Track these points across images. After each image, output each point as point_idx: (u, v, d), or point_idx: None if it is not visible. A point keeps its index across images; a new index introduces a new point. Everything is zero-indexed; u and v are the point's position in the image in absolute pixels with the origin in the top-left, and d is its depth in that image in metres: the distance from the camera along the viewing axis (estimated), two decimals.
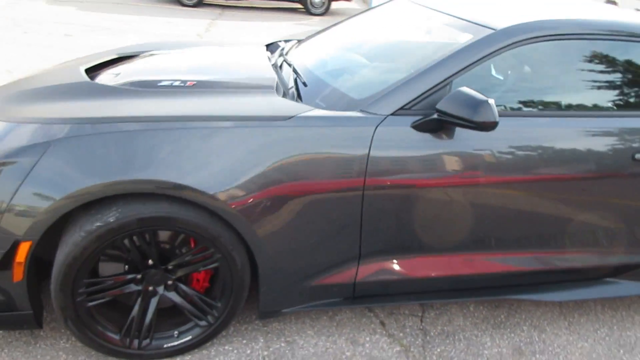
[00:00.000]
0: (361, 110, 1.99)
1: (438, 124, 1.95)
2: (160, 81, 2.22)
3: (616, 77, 2.25)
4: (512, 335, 2.36)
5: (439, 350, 2.23)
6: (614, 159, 2.12)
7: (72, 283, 1.82)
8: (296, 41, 3.08)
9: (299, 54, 2.70)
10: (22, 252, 1.80)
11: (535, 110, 2.14)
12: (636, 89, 2.26)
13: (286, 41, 3.15)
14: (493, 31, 2.08)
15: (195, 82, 2.22)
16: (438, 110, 1.91)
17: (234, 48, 2.97)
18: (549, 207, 2.14)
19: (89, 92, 2.14)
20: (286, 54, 2.72)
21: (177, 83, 2.21)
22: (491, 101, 1.81)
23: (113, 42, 6.56)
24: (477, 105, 1.81)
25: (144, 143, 1.80)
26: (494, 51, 2.04)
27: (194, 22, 9.13)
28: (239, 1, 11.36)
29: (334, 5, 11.97)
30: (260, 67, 2.53)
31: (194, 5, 10.98)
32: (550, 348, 2.30)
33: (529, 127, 2.05)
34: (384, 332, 2.30)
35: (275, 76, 2.35)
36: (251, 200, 1.85)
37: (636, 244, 2.32)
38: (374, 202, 1.96)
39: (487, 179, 2.02)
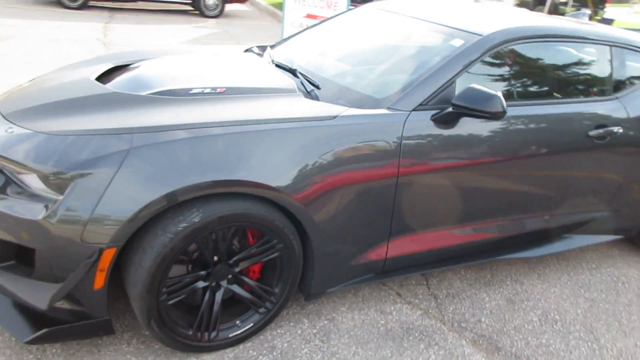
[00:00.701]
0: (388, 108, 2.29)
1: (453, 116, 2.32)
2: (190, 89, 2.32)
3: (572, 70, 2.81)
4: (501, 289, 2.82)
5: (451, 309, 2.62)
6: (574, 136, 2.66)
7: (158, 284, 1.91)
8: (269, 47, 3.28)
9: (294, 58, 2.91)
10: (106, 259, 1.85)
11: (518, 100, 2.61)
12: (588, 79, 2.84)
13: (260, 47, 3.33)
14: (481, 37, 2.50)
15: (224, 89, 2.36)
16: (454, 105, 2.28)
17: (228, 53, 3.11)
18: (529, 179, 2.63)
19: (124, 103, 2.18)
20: (280, 58, 2.92)
21: (207, 90, 2.33)
22: (500, 94, 2.22)
23: (5, 49, 6.12)
24: (489, 98, 2.20)
25: (214, 147, 1.94)
26: (484, 53, 2.46)
27: (87, 25, 8.69)
28: (125, 3, 10.94)
29: (227, 7, 11.99)
30: (269, 71, 2.71)
31: (78, 8, 10.37)
32: (532, 296, 2.80)
33: (517, 114, 2.50)
34: (403, 301, 2.63)
35: (291, 80, 2.55)
36: (309, 191, 2.07)
37: (586, 205, 2.90)
38: (405, 185, 2.28)
39: (489, 159, 2.45)
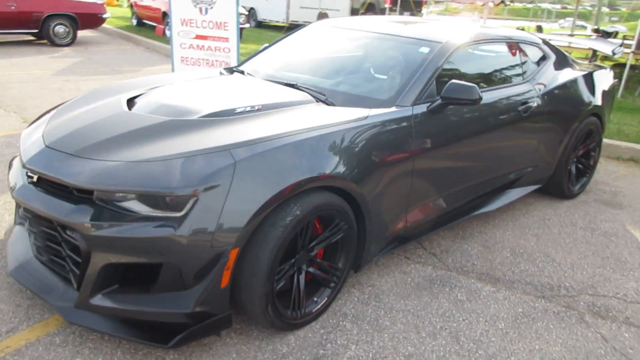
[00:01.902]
0: (397, 106, 2.87)
1: (443, 106, 2.97)
2: (234, 109, 2.64)
3: (502, 62, 3.66)
4: (475, 240, 3.56)
5: (450, 260, 3.28)
6: (513, 112, 3.49)
7: (273, 272, 2.25)
8: (241, 67, 3.64)
9: (280, 74, 3.34)
10: (232, 259, 2.16)
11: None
12: (511, 68, 3.70)
13: (227, 69, 3.67)
14: (441, 44, 3.20)
15: (260, 106, 2.73)
16: (442, 97, 2.93)
17: (224, 77, 3.40)
18: (491, 147, 3.39)
19: (185, 128, 2.44)
20: (267, 75, 3.33)
21: (248, 109, 2.68)
22: (475, 85, 2.92)
23: None
24: (469, 89, 2.88)
25: (296, 151, 2.34)
26: (448, 56, 3.16)
27: None
28: None
29: (79, 33, 11.55)
30: (275, 87, 3.10)
31: None
32: (499, 240, 3.58)
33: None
34: (413, 262, 3.22)
35: (303, 92, 2.98)
36: (362, 177, 2.56)
37: (520, 164, 3.78)
38: (417, 163, 2.87)
39: (466, 134, 3.15)
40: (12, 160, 2.82)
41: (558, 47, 4.35)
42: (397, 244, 3.01)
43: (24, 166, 2.44)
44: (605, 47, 4.96)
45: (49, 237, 2.40)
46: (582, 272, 3.24)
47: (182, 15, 7.46)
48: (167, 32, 13.37)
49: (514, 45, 3.81)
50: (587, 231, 3.83)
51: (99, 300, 2.21)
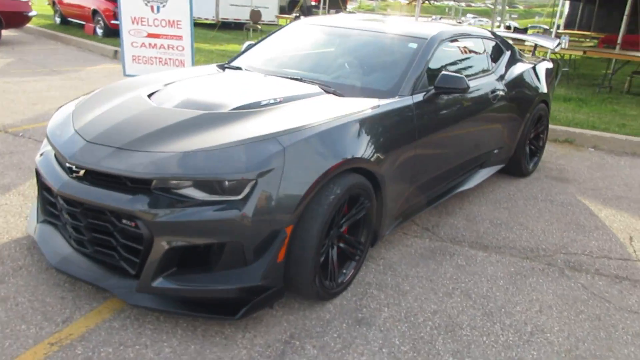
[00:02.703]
0: (399, 95, 3.20)
1: (436, 95, 3.34)
2: (260, 102, 2.86)
3: (474, 55, 4.09)
4: (457, 215, 3.99)
5: (442, 232, 3.67)
6: (486, 99, 3.94)
7: (321, 246, 2.51)
8: (237, 63, 3.84)
9: (280, 70, 3.58)
10: (288, 235, 2.39)
11: None
12: (482, 60, 4.15)
13: (227, 66, 3.86)
14: (427, 39, 3.57)
15: (282, 98, 2.96)
16: (435, 87, 3.30)
17: (232, 73, 3.58)
18: (472, 130, 3.82)
19: (220, 120, 2.64)
20: (269, 71, 3.56)
21: (271, 101, 2.91)
22: (463, 76, 3.31)
23: None
24: (459, 80, 3.27)
25: (330, 137, 2.61)
26: (434, 49, 3.54)
27: None
28: None
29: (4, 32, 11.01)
30: (283, 81, 3.33)
31: None
32: (477, 214, 4.03)
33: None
34: (411, 236, 3.59)
35: (312, 85, 3.24)
36: (381, 158, 2.87)
37: (490, 145, 4.24)
38: (418, 145, 3.21)
39: (454, 119, 3.55)
40: (41, 162, 2.84)
41: (509, 42, 4.89)
42: (402, 220, 3.35)
43: (62, 163, 2.54)
44: (548, 43, 5.61)
45: (97, 228, 2.50)
46: (553, 236, 3.75)
47: (133, 13, 7.39)
48: (99, 31, 12.97)
49: (479, 41, 4.27)
50: (547, 203, 4.37)
51: (160, 283, 2.37)
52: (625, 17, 11.27)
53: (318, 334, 2.50)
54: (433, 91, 3.32)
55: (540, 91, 4.76)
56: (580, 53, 10.39)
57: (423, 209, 3.57)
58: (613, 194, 4.69)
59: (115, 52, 10.93)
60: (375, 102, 3.03)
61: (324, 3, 22.51)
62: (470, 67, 4.10)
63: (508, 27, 19.09)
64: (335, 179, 2.57)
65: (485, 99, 3.96)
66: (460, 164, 3.87)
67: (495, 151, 4.36)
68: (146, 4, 7.39)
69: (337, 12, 20.65)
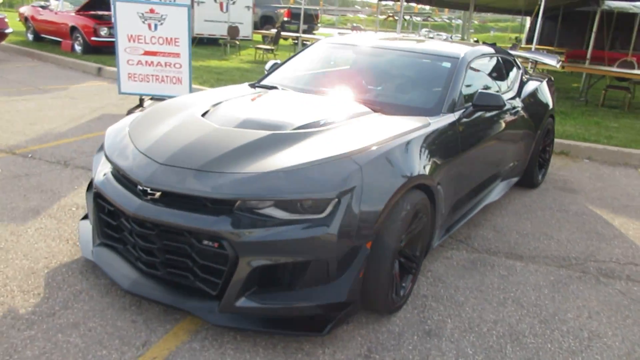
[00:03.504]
0: (442, 114, 3.33)
1: (474, 111, 3.49)
2: (319, 121, 2.94)
3: (498, 73, 4.27)
4: (485, 227, 4.13)
5: (476, 244, 3.80)
6: (507, 115, 4.12)
7: (395, 261, 2.59)
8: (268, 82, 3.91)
9: (317, 89, 3.66)
10: (368, 251, 2.46)
11: None
12: (505, 78, 4.33)
13: (260, 85, 3.92)
14: (459, 58, 3.73)
15: (338, 117, 3.04)
16: (474, 105, 3.45)
17: (275, 93, 3.64)
18: (500, 143, 3.98)
19: (287, 139, 2.70)
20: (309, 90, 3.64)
21: (329, 120, 2.98)
22: (499, 94, 3.47)
23: None
24: (496, 97, 3.43)
25: (395, 155, 2.70)
26: (466, 68, 3.70)
27: None
28: None
29: None
30: (326, 100, 3.42)
31: None
32: (504, 225, 4.18)
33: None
34: (449, 249, 3.70)
35: (360, 105, 3.33)
36: (435, 173, 2.97)
37: (511, 160, 4.42)
38: (460, 161, 3.32)
39: (486, 134, 3.70)
40: (102, 185, 2.82)
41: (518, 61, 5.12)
42: (445, 232, 3.46)
43: (130, 185, 2.55)
44: (549, 60, 5.90)
45: (173, 250, 2.51)
46: (578, 245, 3.93)
47: (129, 31, 7.34)
48: (77, 48, 12.75)
49: (499, 59, 4.47)
50: (562, 213, 4.58)
51: (243, 302, 2.40)
52: (593, 34, 11.86)
53: (393, 347, 2.56)
54: (472, 108, 3.46)
55: (549, 106, 5.00)
56: (555, 68, 10.85)
57: (461, 222, 3.69)
58: (619, 203, 4.94)
59: (99, 69, 10.78)
60: (425, 120, 3.15)
61: (295, 18, 22.77)
62: (494, 85, 4.28)
63: (477, 41, 19.65)
64: (404, 195, 2.66)
65: (508, 115, 4.14)
66: (489, 178, 4.02)
67: (512, 164, 4.54)
68: (143, 22, 7.35)
69: (310, 27, 20.87)
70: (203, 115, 3.11)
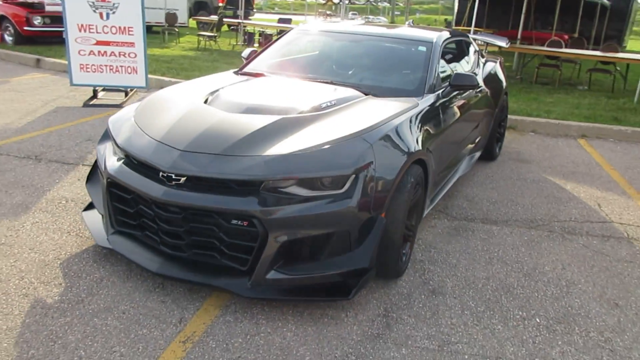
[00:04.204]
0: (424, 94, 3.62)
1: (452, 91, 3.81)
2: (321, 105, 3.14)
3: (462, 55, 4.62)
4: (458, 197, 4.49)
5: (455, 213, 4.15)
6: (473, 94, 4.48)
7: (404, 230, 2.86)
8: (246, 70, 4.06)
9: (314, 73, 3.85)
10: (384, 221, 2.72)
11: None
12: (468, 60, 4.68)
13: (245, 72, 4.05)
14: (432, 42, 4.03)
15: (335, 101, 3.25)
16: (451, 85, 3.77)
17: (267, 79, 3.77)
18: (469, 119, 4.33)
19: (299, 122, 2.90)
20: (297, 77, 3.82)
21: (329, 103, 3.19)
22: (474, 74, 3.80)
23: None
24: (471, 78, 3.77)
25: (395, 134, 2.96)
26: (440, 51, 4.01)
27: None
28: None
29: None
30: (319, 85, 3.61)
31: None
32: (474, 195, 4.57)
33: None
34: (432, 218, 4.03)
35: (353, 89, 3.54)
36: (427, 149, 3.26)
37: (477, 135, 4.80)
38: (442, 136, 3.64)
39: (460, 109, 4.03)
40: (120, 175, 2.87)
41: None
42: (430, 203, 3.78)
43: (150, 172, 2.67)
44: (499, 41, 6.35)
45: (199, 231, 2.65)
46: (541, 208, 4.38)
47: (79, 20, 7.15)
48: (8, 38, 12.10)
49: (461, 42, 4.82)
50: (521, 181, 5.04)
51: (273, 274, 2.59)
52: (522, 15, 12.63)
53: (406, 306, 2.84)
54: (449, 88, 3.77)
55: (503, 85, 5.43)
56: (495, 49, 11.53)
57: (441, 193, 4.01)
58: (567, 170, 5.48)
59: (38, 60, 10.34)
60: (414, 100, 3.43)
61: (231, 4, 22.48)
62: (461, 66, 4.63)
63: (449, 25, 20.07)
64: (408, 169, 2.93)
65: (475, 94, 4.50)
66: (461, 152, 4.38)
67: (478, 139, 4.93)
68: (94, 11, 7.17)
69: (246, 13, 20.71)
70: (205, 103, 3.22)
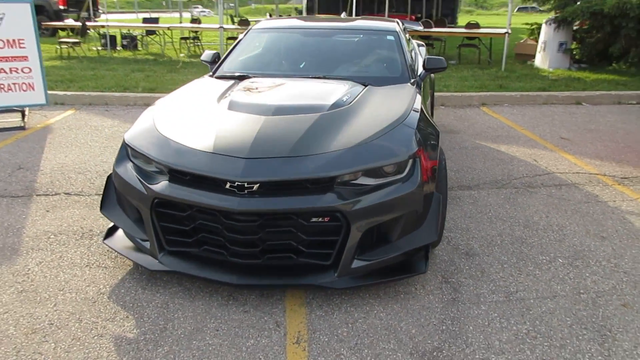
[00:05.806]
0: (410, 78, 3.94)
1: (427, 74, 4.18)
2: (341, 99, 3.28)
3: (410, 41, 4.99)
4: None
5: None
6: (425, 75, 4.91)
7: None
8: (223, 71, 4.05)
9: (293, 72, 3.96)
10: (440, 196, 2.99)
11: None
12: (412, 45, 5.06)
13: (226, 76, 4.02)
14: (395, 31, 4.36)
15: (349, 95, 3.42)
16: (426, 68, 4.14)
17: (263, 80, 3.77)
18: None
19: (333, 118, 3.04)
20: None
21: (344, 98, 3.33)
22: (443, 58, 4.20)
23: None
24: (441, 61, 4.17)
25: (423, 117, 3.24)
26: (405, 39, 4.35)
27: None
28: None
29: None
30: (318, 81, 3.73)
31: None
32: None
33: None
34: None
35: (347, 81, 3.72)
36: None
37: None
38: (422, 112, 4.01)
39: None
40: (177, 194, 2.76)
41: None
42: None
43: (213, 185, 2.66)
44: (417, 26, 6.88)
45: (274, 235, 2.69)
46: (495, 170, 4.98)
47: None
48: None
49: (403, 30, 5.22)
50: (464, 150, 5.63)
51: (356, 263, 2.74)
52: (387, 2, 13.60)
53: (456, 270, 3.16)
54: (425, 71, 4.14)
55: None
56: None
57: None
58: (492, 135, 6.22)
59: None
60: (408, 86, 3.72)
61: (73, 6, 20.69)
62: (411, 50, 5.02)
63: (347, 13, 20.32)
64: (440, 148, 3.22)
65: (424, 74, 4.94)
66: None
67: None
68: None
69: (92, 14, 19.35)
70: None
